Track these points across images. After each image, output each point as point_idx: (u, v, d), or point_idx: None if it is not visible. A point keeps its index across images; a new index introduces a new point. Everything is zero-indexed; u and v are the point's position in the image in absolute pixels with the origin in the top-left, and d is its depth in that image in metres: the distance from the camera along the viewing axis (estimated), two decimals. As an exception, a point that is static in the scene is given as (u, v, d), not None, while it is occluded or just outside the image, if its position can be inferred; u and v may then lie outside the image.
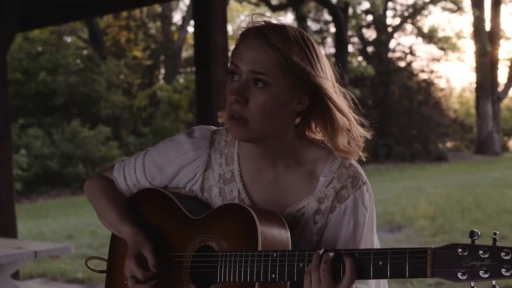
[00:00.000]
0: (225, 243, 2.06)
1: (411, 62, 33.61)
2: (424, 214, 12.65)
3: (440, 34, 34.20)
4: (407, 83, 32.17)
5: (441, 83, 36.74)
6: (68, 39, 30.49)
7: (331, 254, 1.86)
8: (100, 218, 2.41)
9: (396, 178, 21.98)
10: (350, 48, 30.60)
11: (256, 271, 1.95)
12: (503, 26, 36.21)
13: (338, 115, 2.14)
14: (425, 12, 34.40)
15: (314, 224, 2.17)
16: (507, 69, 32.87)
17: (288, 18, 32.73)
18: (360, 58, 32.88)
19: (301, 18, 28.32)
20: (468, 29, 38.20)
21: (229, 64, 2.15)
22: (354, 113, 2.20)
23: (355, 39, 33.46)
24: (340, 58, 27.56)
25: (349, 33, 30.71)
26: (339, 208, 2.15)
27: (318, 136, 2.29)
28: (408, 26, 34.93)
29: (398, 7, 34.29)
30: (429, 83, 33.10)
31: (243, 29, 2.17)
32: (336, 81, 2.19)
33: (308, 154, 2.22)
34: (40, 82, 26.00)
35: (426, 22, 44.00)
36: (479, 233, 1.66)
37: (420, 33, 34.32)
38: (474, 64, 32.53)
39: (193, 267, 2.12)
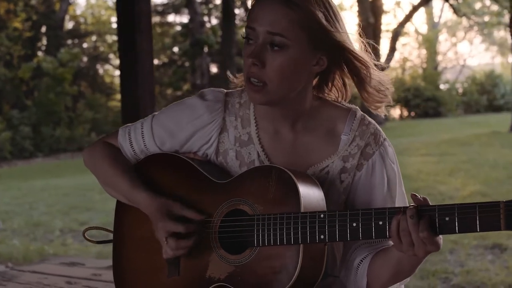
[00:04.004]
0: (260, 206, 2.00)
1: (296, 34, 33.93)
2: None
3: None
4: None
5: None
6: None
7: (413, 209, 1.82)
8: (105, 187, 2.31)
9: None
10: (237, 21, 30.52)
11: (301, 233, 1.91)
12: (383, -1, 36.97)
13: (362, 67, 2.13)
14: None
15: (340, 183, 2.16)
16: (389, 41, 33.71)
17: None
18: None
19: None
20: (349, 2, 39.00)
21: (244, 29, 2.09)
22: (377, 62, 2.18)
23: (242, 11, 33.44)
24: (227, 30, 27.52)
25: (236, 5, 30.65)
26: (366, 165, 2.16)
27: (333, 95, 2.28)
28: (293, -1, 35.18)
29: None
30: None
31: None
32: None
33: (326, 113, 2.21)
34: None
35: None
36: None
37: (304, 5, 34.66)
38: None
39: (222, 232, 2.06)
